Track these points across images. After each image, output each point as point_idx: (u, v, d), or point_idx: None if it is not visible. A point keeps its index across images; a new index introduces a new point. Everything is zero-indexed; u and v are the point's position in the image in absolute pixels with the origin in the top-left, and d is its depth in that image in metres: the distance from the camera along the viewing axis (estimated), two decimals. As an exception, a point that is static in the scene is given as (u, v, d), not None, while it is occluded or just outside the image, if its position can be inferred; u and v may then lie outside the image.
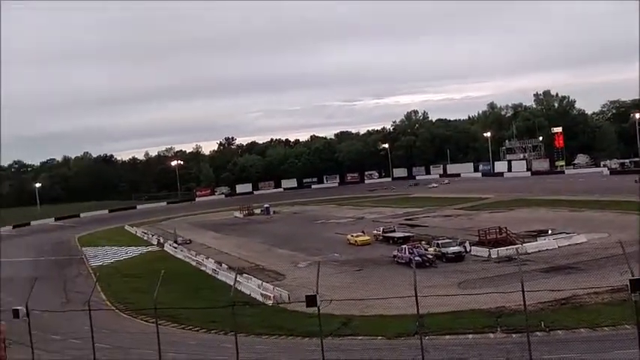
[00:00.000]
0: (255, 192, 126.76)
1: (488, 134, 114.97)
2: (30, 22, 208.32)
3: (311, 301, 16.35)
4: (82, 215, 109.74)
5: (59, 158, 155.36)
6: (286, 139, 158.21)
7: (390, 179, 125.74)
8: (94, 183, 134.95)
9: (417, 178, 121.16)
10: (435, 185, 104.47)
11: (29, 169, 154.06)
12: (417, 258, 33.42)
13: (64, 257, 59.96)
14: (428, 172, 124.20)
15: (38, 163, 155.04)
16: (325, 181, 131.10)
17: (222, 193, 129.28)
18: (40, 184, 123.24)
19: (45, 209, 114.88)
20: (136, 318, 32.09)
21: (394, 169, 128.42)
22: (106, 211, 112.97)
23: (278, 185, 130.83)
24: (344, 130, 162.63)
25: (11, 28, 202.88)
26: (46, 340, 24.84)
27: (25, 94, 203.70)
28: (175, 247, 56.62)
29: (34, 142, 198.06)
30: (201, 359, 22.85)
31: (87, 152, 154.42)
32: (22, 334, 21.32)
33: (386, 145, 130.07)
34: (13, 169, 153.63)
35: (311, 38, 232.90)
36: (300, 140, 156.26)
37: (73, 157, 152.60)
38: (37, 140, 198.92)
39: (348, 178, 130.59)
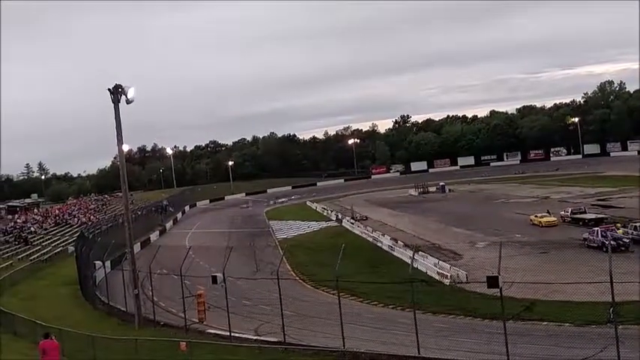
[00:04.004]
0: (430, 170, 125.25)
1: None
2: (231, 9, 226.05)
3: (492, 282, 15.83)
4: (268, 191, 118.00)
5: (249, 138, 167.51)
6: (463, 116, 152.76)
7: (580, 156, 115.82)
8: (279, 161, 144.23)
9: (612, 155, 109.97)
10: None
11: (223, 147, 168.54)
12: (611, 242, 30.46)
13: (254, 229, 64.94)
14: (625, 149, 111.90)
15: (231, 143, 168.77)
16: (505, 159, 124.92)
17: (397, 171, 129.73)
18: (232, 162, 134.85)
19: (237, 185, 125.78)
20: (317, 289, 33.85)
21: (585, 146, 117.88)
22: (290, 187, 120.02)
23: (454, 163, 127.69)
24: (527, 104, 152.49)
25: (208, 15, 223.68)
26: (239, 305, 27.29)
27: (221, 78, 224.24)
28: (352, 223, 58.42)
29: (228, 122, 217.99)
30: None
31: (273, 132, 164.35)
32: (218, 298, 23.74)
33: (575, 120, 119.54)
34: (209, 148, 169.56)
35: (491, 7, 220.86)
36: (479, 116, 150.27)
37: (261, 137, 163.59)
38: (230, 121, 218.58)
39: (531, 155, 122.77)
